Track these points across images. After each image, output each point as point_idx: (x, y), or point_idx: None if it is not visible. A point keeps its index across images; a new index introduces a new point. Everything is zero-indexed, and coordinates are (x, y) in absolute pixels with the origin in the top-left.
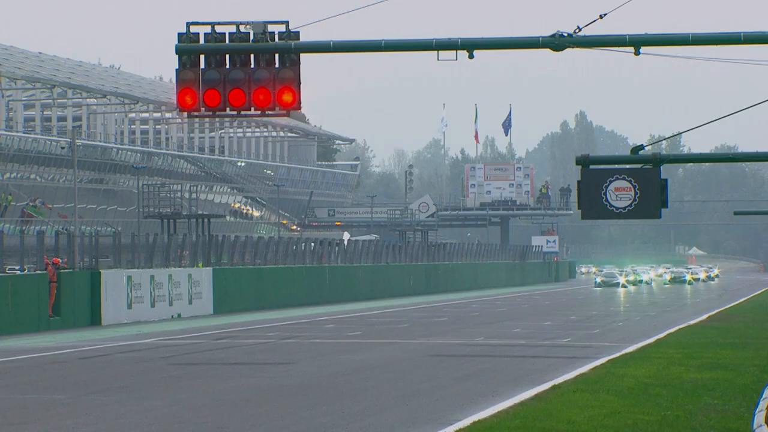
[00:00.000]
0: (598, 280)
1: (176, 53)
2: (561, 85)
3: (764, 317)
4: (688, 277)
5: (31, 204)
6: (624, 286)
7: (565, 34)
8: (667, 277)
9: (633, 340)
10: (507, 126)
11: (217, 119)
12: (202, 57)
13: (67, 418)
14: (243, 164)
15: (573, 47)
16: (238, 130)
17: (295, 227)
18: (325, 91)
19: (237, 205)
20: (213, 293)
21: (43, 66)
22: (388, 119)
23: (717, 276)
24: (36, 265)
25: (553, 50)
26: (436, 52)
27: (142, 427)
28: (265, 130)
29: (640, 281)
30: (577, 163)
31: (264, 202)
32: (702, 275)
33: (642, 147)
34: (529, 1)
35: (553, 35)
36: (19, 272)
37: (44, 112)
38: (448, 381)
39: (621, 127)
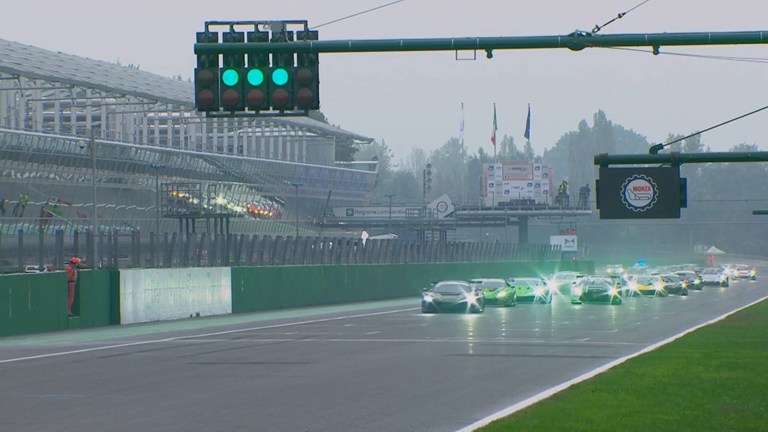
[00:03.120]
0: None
1: (195, 53)
2: (580, 84)
3: None
4: (613, 292)
5: (51, 204)
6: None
7: (584, 34)
8: (577, 291)
9: (652, 339)
10: (527, 128)
11: (235, 119)
12: (220, 56)
13: (86, 417)
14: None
15: (592, 46)
16: (257, 129)
17: (319, 223)
18: (344, 90)
19: (247, 207)
20: (231, 292)
21: (62, 66)
22: (407, 118)
23: (754, 277)
24: (55, 265)
25: (572, 49)
26: (454, 51)
27: (161, 426)
28: (284, 129)
29: (531, 297)
30: (596, 163)
31: (282, 202)
32: (735, 273)
33: (661, 146)
34: (547, 0)
35: (572, 34)
36: (38, 271)
37: (63, 112)
38: (467, 380)
39: (640, 127)
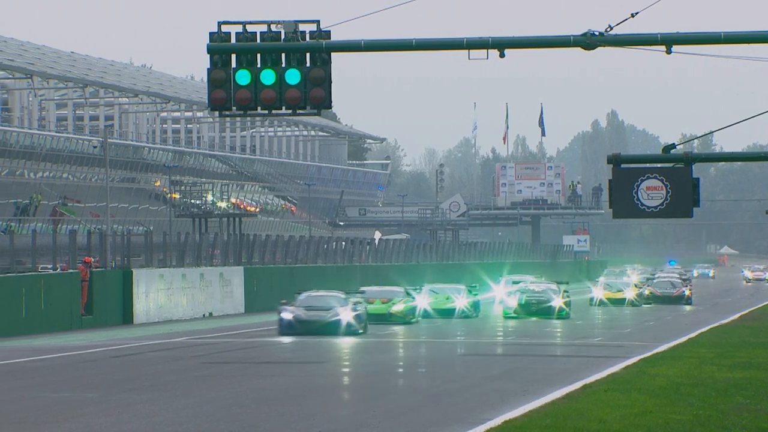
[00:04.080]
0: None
1: (208, 53)
2: (592, 83)
3: None
4: (558, 303)
5: (66, 204)
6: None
7: (597, 33)
8: (511, 302)
9: (665, 339)
10: (542, 125)
11: (248, 118)
12: (233, 56)
13: (99, 417)
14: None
15: (604, 46)
16: (269, 129)
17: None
18: (357, 90)
19: (252, 208)
20: (244, 292)
21: (75, 66)
22: (419, 118)
23: None
24: (68, 264)
25: (585, 49)
26: (467, 51)
27: (174, 426)
28: (296, 129)
29: (451, 310)
30: (609, 162)
31: (295, 201)
32: (749, 275)
33: (673, 146)
34: (560, 0)
35: (585, 34)
36: (51, 271)
37: (76, 112)
38: (479, 380)
39: (652, 126)
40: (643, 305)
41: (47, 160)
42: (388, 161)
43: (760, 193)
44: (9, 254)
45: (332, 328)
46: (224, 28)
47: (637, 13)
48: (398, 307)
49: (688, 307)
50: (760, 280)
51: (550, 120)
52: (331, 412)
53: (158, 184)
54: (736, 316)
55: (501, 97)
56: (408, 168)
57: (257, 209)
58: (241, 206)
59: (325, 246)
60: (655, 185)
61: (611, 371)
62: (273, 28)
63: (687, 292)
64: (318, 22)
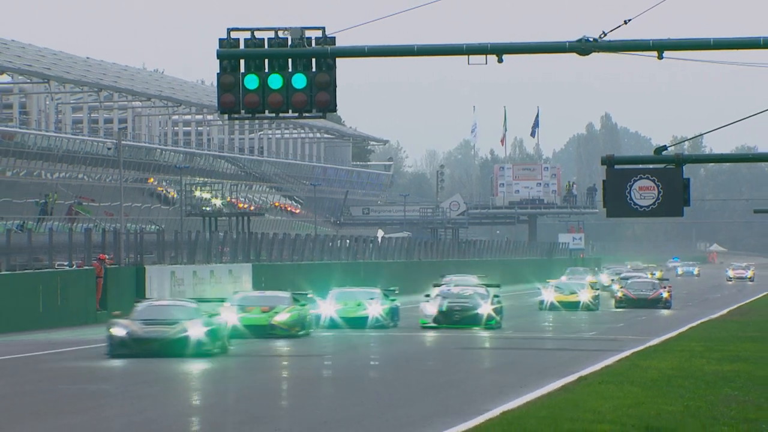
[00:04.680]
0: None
1: (217, 58)
2: (587, 88)
3: None
4: (486, 310)
5: (82, 203)
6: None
7: (591, 39)
8: (431, 309)
9: (656, 333)
10: (535, 127)
11: (256, 121)
12: (242, 61)
13: (114, 408)
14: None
15: (598, 51)
16: (276, 131)
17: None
18: (360, 93)
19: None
20: (252, 288)
21: (90, 70)
22: (421, 121)
23: (752, 278)
24: (84, 261)
25: (580, 54)
26: (466, 56)
27: (186, 416)
28: (302, 131)
29: (363, 318)
30: (603, 164)
31: (301, 201)
32: (749, 274)
33: (665, 148)
34: (555, 7)
35: (580, 40)
36: (67, 268)
37: (91, 115)
38: (478, 373)
39: (645, 129)
40: (617, 308)
41: (63, 161)
42: (391, 162)
43: (748, 193)
44: (27, 252)
45: (178, 347)
46: (233, 35)
47: (629, 20)
48: (282, 317)
49: (665, 312)
50: (742, 278)
51: (546, 123)
52: (335, 403)
53: (152, 181)
54: (725, 311)
55: (499, 101)
56: (410, 169)
57: (251, 207)
58: (241, 206)
59: (330, 244)
60: (648, 185)
61: (605, 364)
62: (280, 34)
63: (665, 294)
64: (323, 28)
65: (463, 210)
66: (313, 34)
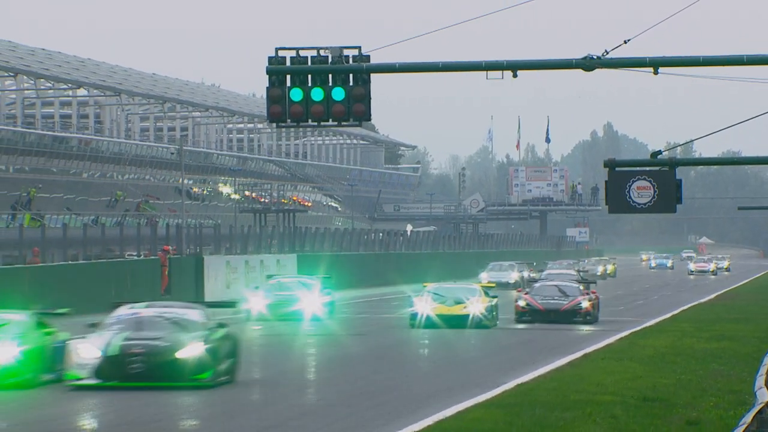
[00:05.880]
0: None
1: (267, 74)
2: (591, 100)
3: (765, 296)
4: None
5: (148, 201)
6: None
7: (595, 57)
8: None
9: (652, 315)
10: (547, 135)
11: (300, 129)
12: (288, 77)
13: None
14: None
15: (601, 68)
16: (318, 138)
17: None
18: (392, 104)
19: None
20: (297, 273)
21: (155, 85)
22: (445, 129)
23: (728, 269)
24: (150, 252)
25: (585, 70)
26: (485, 72)
27: (241, 394)
28: (341, 138)
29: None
30: (605, 166)
31: (339, 199)
32: (711, 267)
33: (660, 152)
34: (563, 29)
35: (584, 57)
36: (136, 258)
37: (157, 124)
38: (494, 350)
39: (642, 135)
40: (518, 323)
41: (132, 164)
42: (419, 165)
43: (733, 192)
44: (100, 243)
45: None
46: (281, 53)
47: (629, 40)
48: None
49: (584, 328)
50: (704, 271)
51: (555, 130)
52: (370, 376)
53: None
54: (713, 296)
55: (514, 112)
56: (435, 171)
57: (300, 201)
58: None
59: (365, 237)
60: (645, 185)
61: (607, 342)
62: (321, 52)
63: (585, 304)
64: (359, 47)
65: (482, 207)
66: (351, 53)
